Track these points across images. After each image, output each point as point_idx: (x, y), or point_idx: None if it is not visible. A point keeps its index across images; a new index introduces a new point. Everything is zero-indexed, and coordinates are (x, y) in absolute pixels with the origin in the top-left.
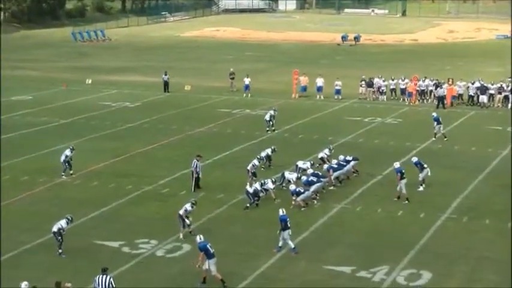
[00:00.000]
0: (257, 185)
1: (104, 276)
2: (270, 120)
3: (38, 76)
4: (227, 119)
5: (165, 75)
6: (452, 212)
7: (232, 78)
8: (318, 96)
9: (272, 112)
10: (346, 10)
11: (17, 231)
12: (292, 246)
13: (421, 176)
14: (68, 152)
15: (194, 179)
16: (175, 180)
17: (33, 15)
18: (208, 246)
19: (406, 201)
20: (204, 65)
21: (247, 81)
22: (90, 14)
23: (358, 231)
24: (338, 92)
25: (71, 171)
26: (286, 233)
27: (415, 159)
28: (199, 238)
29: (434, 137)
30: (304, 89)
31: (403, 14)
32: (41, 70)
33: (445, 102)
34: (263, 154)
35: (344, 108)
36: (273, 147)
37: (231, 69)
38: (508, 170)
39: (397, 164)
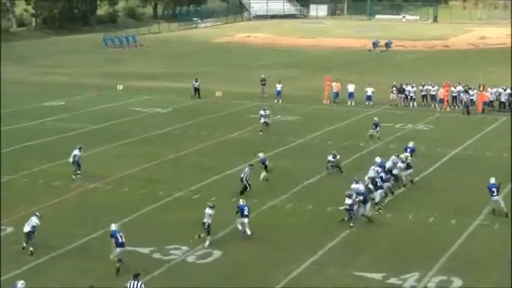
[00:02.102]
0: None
1: (136, 282)
2: (265, 123)
3: (70, 82)
4: (258, 125)
5: (196, 81)
6: (484, 218)
7: (264, 84)
8: (349, 103)
9: (262, 112)
10: (378, 16)
11: (48, 236)
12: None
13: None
14: (76, 152)
15: (244, 186)
16: (206, 186)
17: (64, 22)
18: (118, 235)
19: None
20: (235, 71)
21: (278, 87)
22: (122, 19)
23: (389, 237)
24: (369, 98)
25: (79, 172)
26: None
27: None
28: (113, 226)
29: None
30: (336, 95)
31: (435, 20)
32: (72, 76)
33: (470, 108)
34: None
35: (375, 115)
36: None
37: (262, 76)
38: None
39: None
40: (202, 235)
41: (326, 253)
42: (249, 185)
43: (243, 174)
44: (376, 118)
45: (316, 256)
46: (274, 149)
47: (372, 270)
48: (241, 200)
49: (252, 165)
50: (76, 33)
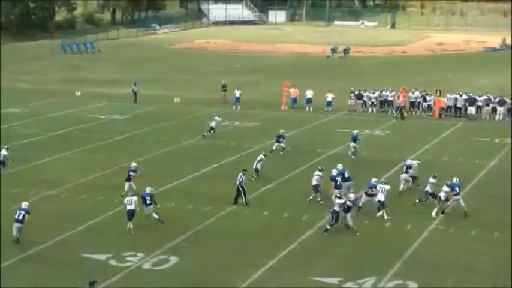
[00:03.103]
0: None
1: None
2: (212, 128)
3: (28, 88)
4: (217, 131)
5: (135, 86)
6: (439, 222)
7: (225, 91)
8: (307, 108)
9: (218, 118)
10: (336, 22)
11: (5, 244)
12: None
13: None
14: (4, 152)
15: (237, 192)
16: (163, 193)
17: (22, 28)
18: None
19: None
20: (194, 77)
21: (237, 93)
22: (80, 25)
23: (345, 242)
24: (329, 104)
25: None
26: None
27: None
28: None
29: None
30: (295, 100)
31: (393, 26)
32: (30, 82)
33: (404, 112)
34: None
35: (333, 120)
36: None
37: (223, 82)
38: (495, 181)
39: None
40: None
41: (283, 258)
42: (244, 191)
43: (237, 181)
44: (355, 131)
45: (274, 261)
46: (232, 155)
47: (329, 275)
48: (147, 189)
49: (245, 170)
50: (34, 39)
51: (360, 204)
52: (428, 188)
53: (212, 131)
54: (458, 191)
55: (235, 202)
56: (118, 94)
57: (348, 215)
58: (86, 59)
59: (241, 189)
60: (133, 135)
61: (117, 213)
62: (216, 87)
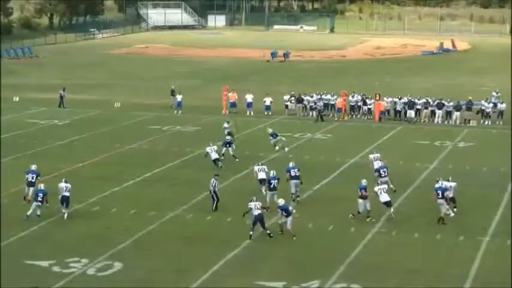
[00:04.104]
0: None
1: None
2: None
3: None
4: (158, 136)
5: (63, 91)
6: (382, 225)
7: (173, 95)
8: (248, 112)
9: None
10: (275, 27)
11: None
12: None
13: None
14: None
15: (213, 198)
16: (105, 198)
17: None
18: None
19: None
20: (133, 82)
21: (179, 97)
22: (17, 30)
23: (288, 246)
24: (268, 108)
25: None
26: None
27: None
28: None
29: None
30: (233, 104)
31: (331, 30)
32: None
33: (324, 114)
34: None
35: (274, 124)
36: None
37: (172, 86)
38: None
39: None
40: None
41: (226, 263)
42: (217, 197)
43: (211, 187)
44: (269, 129)
45: (217, 266)
46: (174, 159)
47: (272, 279)
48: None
49: (218, 175)
50: None
51: (360, 210)
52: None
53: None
54: (441, 195)
55: (216, 209)
56: (57, 99)
57: (289, 219)
58: (23, 64)
59: (214, 194)
60: (73, 140)
61: (59, 220)
62: (157, 92)
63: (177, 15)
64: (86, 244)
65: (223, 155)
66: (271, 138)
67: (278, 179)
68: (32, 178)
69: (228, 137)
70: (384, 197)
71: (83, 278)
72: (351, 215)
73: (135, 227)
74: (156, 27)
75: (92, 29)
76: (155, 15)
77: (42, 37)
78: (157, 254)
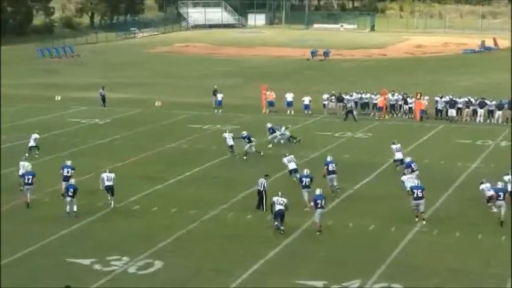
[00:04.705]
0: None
1: None
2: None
3: (6, 93)
4: (198, 135)
5: (102, 89)
6: (423, 225)
7: (215, 95)
8: (288, 112)
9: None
10: (316, 25)
11: None
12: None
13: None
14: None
15: (260, 197)
16: (146, 197)
17: None
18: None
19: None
20: (174, 81)
21: (219, 96)
22: (58, 30)
23: (330, 245)
24: (307, 107)
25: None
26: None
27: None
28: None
29: (245, 156)
30: (271, 103)
31: (372, 29)
32: (8, 87)
33: (355, 114)
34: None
35: (314, 123)
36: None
37: (215, 86)
38: (477, 183)
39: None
40: None
41: (267, 262)
42: (266, 196)
43: (260, 187)
44: (269, 124)
45: (257, 265)
46: (214, 158)
47: (313, 278)
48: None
49: (267, 175)
50: (11, 43)
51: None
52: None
53: (231, 149)
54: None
55: (258, 207)
56: (98, 98)
57: (318, 212)
58: (65, 64)
59: (264, 194)
60: (113, 139)
61: (100, 218)
62: (197, 91)
63: (217, 14)
64: (127, 242)
65: (246, 153)
66: (274, 133)
67: (311, 178)
68: (68, 173)
69: (244, 132)
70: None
71: (123, 276)
72: None
73: (175, 226)
74: (196, 26)
75: (133, 28)
76: (195, 14)
77: (84, 36)
78: (197, 253)
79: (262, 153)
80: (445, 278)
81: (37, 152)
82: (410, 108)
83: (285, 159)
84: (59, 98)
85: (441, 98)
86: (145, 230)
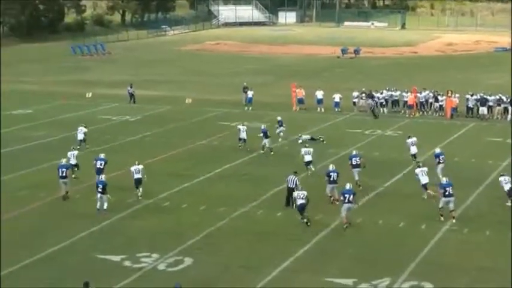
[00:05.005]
0: None
1: None
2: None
3: (38, 90)
4: (228, 132)
5: (131, 87)
6: (453, 223)
7: (246, 92)
8: (318, 109)
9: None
10: (346, 23)
11: (15, 247)
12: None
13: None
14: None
15: (291, 194)
16: (176, 194)
17: (31, 29)
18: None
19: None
20: (204, 78)
21: (250, 94)
22: (90, 27)
23: (359, 243)
24: (337, 104)
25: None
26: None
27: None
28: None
29: (262, 150)
30: (301, 101)
31: (403, 26)
32: (40, 84)
33: (376, 112)
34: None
35: (344, 121)
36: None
37: (245, 83)
38: None
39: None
40: None
41: (297, 259)
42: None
43: (291, 184)
44: (262, 126)
45: (287, 263)
46: (244, 155)
47: (343, 276)
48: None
49: (296, 172)
50: (43, 41)
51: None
52: None
53: (243, 142)
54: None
55: (287, 205)
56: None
57: (346, 206)
58: (96, 61)
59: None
60: (144, 136)
61: (131, 214)
62: (227, 89)
63: (248, 12)
64: (156, 239)
65: (263, 147)
66: (277, 126)
67: (338, 173)
68: (101, 165)
69: (263, 126)
70: (424, 179)
71: (153, 273)
72: None
73: (205, 223)
74: (227, 24)
75: (164, 26)
76: (226, 12)
77: (115, 34)
78: (227, 250)
79: (272, 152)
80: (475, 277)
81: (87, 146)
82: (441, 106)
83: (303, 151)
84: (90, 95)
85: (472, 95)
86: (175, 226)
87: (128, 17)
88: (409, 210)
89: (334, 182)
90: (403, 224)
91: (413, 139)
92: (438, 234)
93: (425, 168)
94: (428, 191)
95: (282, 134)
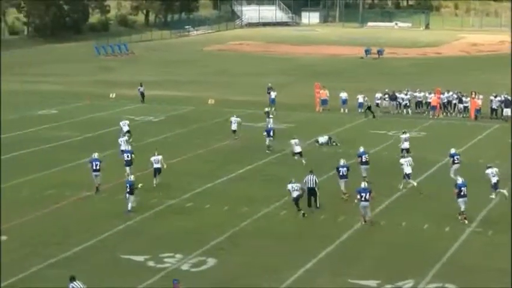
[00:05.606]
0: None
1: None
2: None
3: (62, 90)
4: (251, 133)
5: (141, 86)
6: (478, 225)
7: (269, 93)
8: (342, 110)
9: (234, 119)
10: (370, 23)
11: (41, 245)
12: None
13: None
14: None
15: (312, 194)
16: (199, 194)
17: (56, 30)
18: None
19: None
20: (227, 79)
21: (273, 94)
22: (114, 27)
23: (383, 244)
24: (360, 105)
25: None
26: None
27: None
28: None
29: (268, 150)
30: (324, 102)
31: (427, 27)
32: (64, 84)
33: (374, 111)
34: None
35: (368, 122)
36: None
37: (269, 84)
38: None
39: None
40: None
41: (319, 261)
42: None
43: (311, 184)
44: (270, 125)
45: (310, 264)
46: (267, 156)
47: (366, 277)
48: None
49: (312, 171)
50: (68, 41)
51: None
52: None
53: (234, 134)
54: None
55: (309, 205)
56: (152, 96)
57: (363, 204)
58: (120, 61)
59: (316, 191)
60: (167, 136)
61: (155, 214)
62: (250, 89)
63: (271, 12)
64: (180, 239)
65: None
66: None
67: (348, 168)
68: (128, 157)
69: (270, 124)
70: (408, 170)
71: (176, 273)
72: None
73: (228, 223)
74: (250, 24)
75: (187, 26)
76: (249, 12)
77: (138, 34)
78: (250, 251)
79: (269, 152)
80: (500, 279)
81: (130, 140)
82: (465, 107)
83: (292, 141)
84: (114, 95)
85: (495, 97)
86: (198, 227)
87: (151, 17)
88: (433, 212)
89: (345, 176)
90: (427, 226)
91: (407, 135)
92: (462, 236)
93: (410, 159)
94: (411, 181)
95: (270, 124)
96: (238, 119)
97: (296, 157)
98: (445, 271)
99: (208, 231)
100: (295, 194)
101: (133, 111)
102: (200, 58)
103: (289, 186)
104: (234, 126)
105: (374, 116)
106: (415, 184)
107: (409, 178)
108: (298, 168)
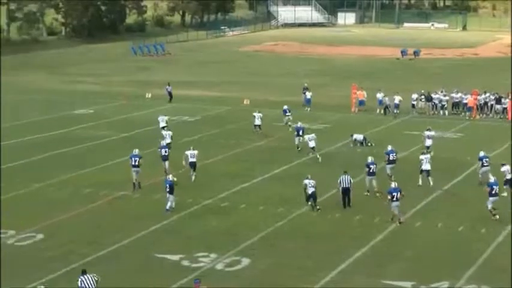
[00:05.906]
0: None
1: (86, 276)
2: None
3: (99, 90)
4: (286, 133)
5: (169, 85)
6: None
7: (304, 93)
8: (378, 110)
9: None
10: (406, 24)
11: (77, 244)
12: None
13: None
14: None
15: (344, 194)
16: (234, 194)
17: (93, 30)
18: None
19: None
20: (262, 79)
21: (308, 95)
22: (150, 28)
23: (418, 246)
24: (397, 106)
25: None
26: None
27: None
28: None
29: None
30: (362, 103)
31: (464, 28)
32: (101, 84)
33: (390, 110)
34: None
35: (403, 122)
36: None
37: (305, 84)
38: None
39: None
40: None
41: (354, 261)
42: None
43: (347, 184)
44: (299, 123)
45: (344, 265)
46: (301, 156)
47: (401, 278)
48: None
49: (346, 171)
50: (105, 41)
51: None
52: None
53: (258, 128)
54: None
55: (345, 206)
56: (188, 96)
57: (394, 204)
58: (156, 61)
59: (350, 191)
60: (202, 136)
61: (190, 214)
62: (285, 89)
63: (307, 13)
64: (215, 239)
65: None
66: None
67: (376, 165)
68: (165, 152)
69: (299, 124)
70: (426, 166)
71: (211, 272)
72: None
73: (262, 223)
74: (286, 25)
75: (223, 27)
76: (285, 13)
77: (175, 35)
78: (284, 251)
79: (299, 149)
80: None
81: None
82: (504, 108)
83: (306, 137)
84: (150, 95)
85: None
86: (233, 227)
87: (187, 18)
88: (468, 214)
89: (373, 173)
90: (462, 228)
91: (432, 132)
92: (498, 238)
93: (428, 156)
94: (429, 179)
95: (290, 122)
96: (261, 114)
97: (312, 154)
98: (481, 273)
99: (243, 231)
100: (310, 191)
101: (169, 111)
102: (236, 59)
103: (306, 181)
104: (257, 121)
105: (385, 114)
106: (431, 183)
107: (428, 175)
108: (333, 169)
